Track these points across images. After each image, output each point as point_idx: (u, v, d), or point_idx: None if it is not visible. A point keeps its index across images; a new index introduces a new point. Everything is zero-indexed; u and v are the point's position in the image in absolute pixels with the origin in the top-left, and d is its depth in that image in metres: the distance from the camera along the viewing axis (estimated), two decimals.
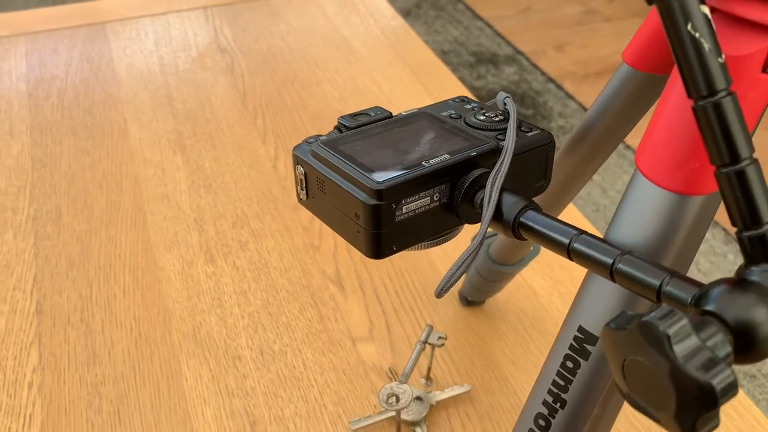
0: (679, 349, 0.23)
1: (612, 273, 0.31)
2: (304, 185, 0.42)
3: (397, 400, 0.56)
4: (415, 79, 1.07)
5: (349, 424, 0.60)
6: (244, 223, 0.81)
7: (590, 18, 2.58)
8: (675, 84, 0.30)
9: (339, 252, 0.78)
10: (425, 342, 0.60)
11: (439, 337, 0.60)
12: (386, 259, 0.77)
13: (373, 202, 0.36)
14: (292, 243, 0.79)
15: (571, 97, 2.13)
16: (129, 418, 0.61)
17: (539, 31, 2.53)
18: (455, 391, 0.63)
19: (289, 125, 0.97)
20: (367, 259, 0.77)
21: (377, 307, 0.72)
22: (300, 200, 0.44)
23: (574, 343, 0.34)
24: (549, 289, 0.74)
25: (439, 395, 0.62)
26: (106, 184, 0.86)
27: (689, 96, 0.26)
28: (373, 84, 1.06)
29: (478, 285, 0.66)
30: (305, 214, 0.82)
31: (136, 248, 0.78)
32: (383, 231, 0.38)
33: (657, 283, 0.29)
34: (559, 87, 2.19)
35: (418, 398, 0.61)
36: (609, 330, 0.26)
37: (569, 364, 0.35)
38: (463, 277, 0.71)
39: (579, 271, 0.76)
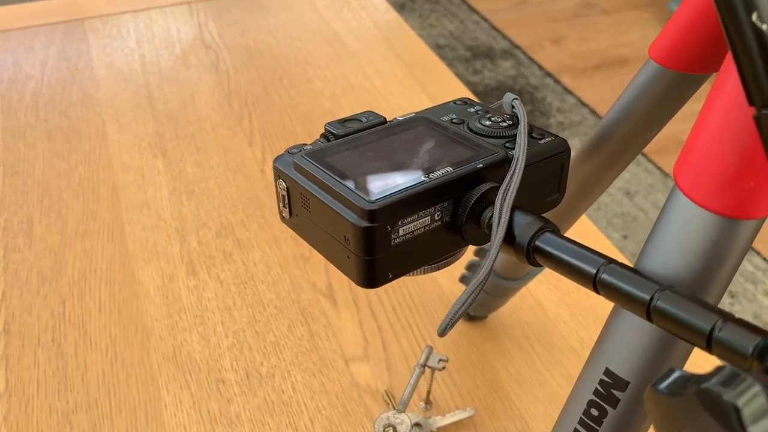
0: (754, 427, 0.18)
1: (649, 312, 0.26)
2: (286, 202, 0.37)
3: (394, 431, 0.51)
4: (409, 75, 1.02)
5: None
6: (228, 232, 0.76)
7: (588, 11, 2.53)
8: (725, 86, 0.25)
9: (330, 264, 0.72)
10: (425, 365, 0.55)
11: (440, 360, 0.55)
12: None
13: (365, 224, 0.31)
14: (281, 254, 0.74)
15: (569, 91, 2.08)
16: None
17: (536, 24, 2.47)
18: (457, 416, 0.58)
19: (278, 126, 0.92)
20: None
21: (372, 323, 0.67)
22: (283, 218, 0.39)
23: (600, 388, 0.29)
24: (556, 301, 0.69)
25: (440, 421, 0.57)
26: (82, 192, 0.81)
27: (751, 103, 0.21)
28: (366, 80, 1.01)
29: (481, 300, 0.61)
30: None
31: (113, 261, 0.73)
32: (377, 257, 0.33)
33: (707, 327, 0.24)
34: (557, 81, 2.14)
35: (417, 425, 0.57)
36: (657, 394, 0.21)
37: (594, 412, 0.30)
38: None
39: None
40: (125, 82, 1.00)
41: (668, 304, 0.25)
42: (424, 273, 0.36)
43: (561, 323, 0.67)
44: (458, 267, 0.70)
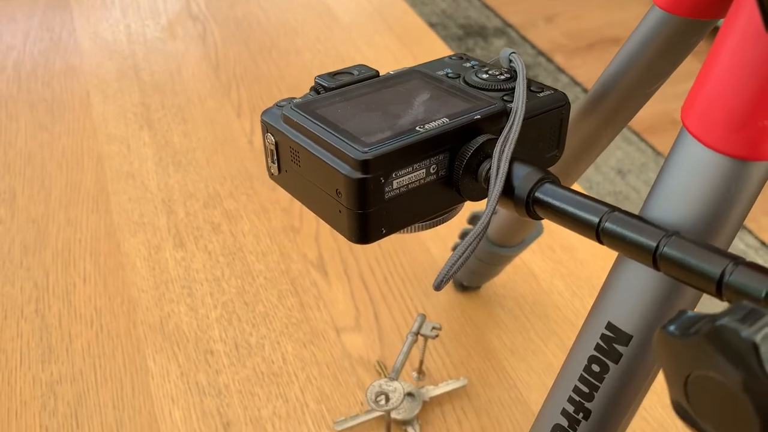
0: None
1: (656, 259, 0.25)
2: (275, 157, 0.36)
3: (387, 399, 0.50)
4: (402, 48, 1.00)
5: (333, 425, 0.54)
6: (216, 203, 0.74)
7: None
8: (736, 23, 0.23)
9: (321, 234, 0.71)
10: (417, 333, 0.54)
11: (433, 328, 0.54)
12: None
13: (358, 175, 0.30)
14: (270, 225, 0.72)
15: (562, 70, 2.07)
16: (88, 420, 0.55)
17: (529, 2, 2.45)
18: (450, 385, 0.57)
19: (267, 97, 0.90)
20: None
21: (364, 294, 0.65)
22: (271, 175, 0.37)
23: (602, 343, 0.28)
24: (550, 272, 0.68)
25: (433, 391, 0.56)
26: (65, 163, 0.79)
27: None
28: (358, 53, 0.99)
29: (475, 269, 0.60)
30: (284, 194, 0.76)
31: (98, 232, 0.71)
32: (370, 210, 0.31)
33: (717, 272, 0.23)
34: (549, 60, 2.12)
35: (410, 394, 0.56)
36: (667, 336, 0.20)
37: (595, 368, 0.29)
38: None
39: (583, 252, 0.70)
40: (110, 53, 0.98)
41: (676, 250, 0.24)
42: (418, 230, 0.35)
43: (555, 294, 0.66)
44: (452, 236, 0.69)
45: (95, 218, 0.72)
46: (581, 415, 0.30)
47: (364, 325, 0.62)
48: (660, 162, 1.77)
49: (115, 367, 0.59)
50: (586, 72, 2.08)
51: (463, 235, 0.61)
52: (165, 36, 1.02)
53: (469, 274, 0.62)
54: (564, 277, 0.67)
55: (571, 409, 0.30)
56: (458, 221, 0.69)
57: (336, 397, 0.57)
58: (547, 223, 0.70)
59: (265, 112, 0.36)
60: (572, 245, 0.71)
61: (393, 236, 0.70)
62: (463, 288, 0.65)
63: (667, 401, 0.56)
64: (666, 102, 2.24)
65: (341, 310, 0.64)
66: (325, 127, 0.32)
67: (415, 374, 0.58)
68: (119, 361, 0.59)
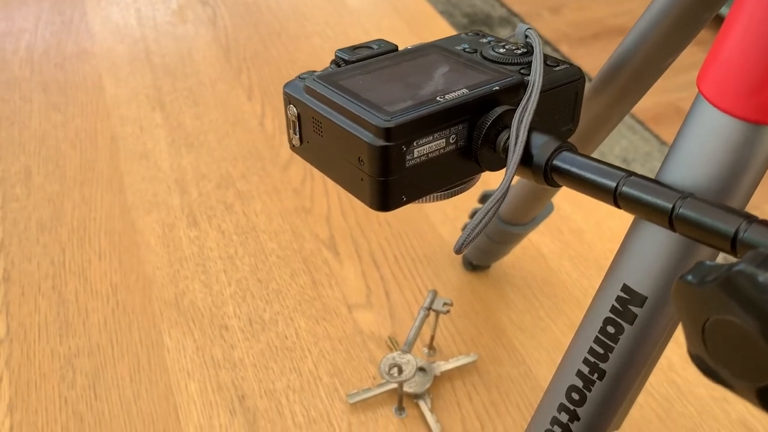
0: None
1: (672, 220, 0.25)
2: (297, 128, 0.37)
3: (400, 371, 0.51)
4: (410, 33, 1.01)
5: (347, 398, 0.55)
6: (229, 184, 0.75)
7: None
8: None
9: (333, 215, 0.72)
10: (429, 308, 0.55)
11: (444, 303, 0.55)
12: (383, 222, 0.72)
13: (381, 143, 0.31)
14: (282, 205, 0.73)
15: (567, 61, 2.07)
16: (106, 392, 0.56)
17: None
18: (461, 361, 0.58)
19: (277, 81, 0.91)
20: (363, 223, 0.72)
21: (375, 272, 0.66)
22: (293, 147, 0.38)
23: (617, 305, 0.29)
24: (558, 252, 0.69)
25: (444, 366, 0.57)
26: (79, 143, 0.80)
27: None
28: (366, 37, 0.99)
29: (485, 247, 0.61)
30: (296, 175, 0.77)
31: (113, 211, 0.72)
32: (391, 178, 0.32)
33: (732, 230, 0.24)
34: (555, 50, 2.13)
35: (421, 369, 0.57)
36: (685, 285, 0.21)
37: (610, 330, 0.30)
38: None
39: (591, 234, 0.71)
40: (121, 36, 0.98)
41: (691, 211, 0.25)
42: (437, 200, 0.36)
43: (564, 274, 0.67)
44: (461, 217, 0.71)
45: (109, 197, 0.73)
46: (596, 375, 0.31)
47: (375, 302, 0.64)
48: (664, 151, 1.78)
49: (131, 342, 0.60)
50: (591, 62, 2.08)
51: (473, 214, 0.62)
52: (175, 20, 1.02)
53: (479, 253, 0.63)
54: (572, 258, 0.68)
55: (586, 370, 0.31)
56: (469, 201, 0.70)
57: (348, 371, 0.58)
58: (555, 204, 0.71)
59: (287, 85, 0.37)
60: (580, 228, 0.72)
61: (403, 217, 0.72)
62: (473, 267, 0.66)
63: (674, 377, 0.58)
64: (671, 92, 2.24)
65: (352, 288, 0.65)
66: (347, 97, 0.33)
67: (426, 350, 0.59)
68: (135, 335, 0.60)
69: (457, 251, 0.31)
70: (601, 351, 0.30)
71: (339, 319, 0.62)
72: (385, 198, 0.33)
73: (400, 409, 0.55)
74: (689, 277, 0.21)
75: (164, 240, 0.69)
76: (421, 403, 0.55)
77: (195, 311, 0.62)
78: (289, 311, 0.63)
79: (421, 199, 0.35)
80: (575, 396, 0.31)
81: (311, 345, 0.60)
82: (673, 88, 2.17)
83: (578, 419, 0.31)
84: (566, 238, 0.70)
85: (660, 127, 1.94)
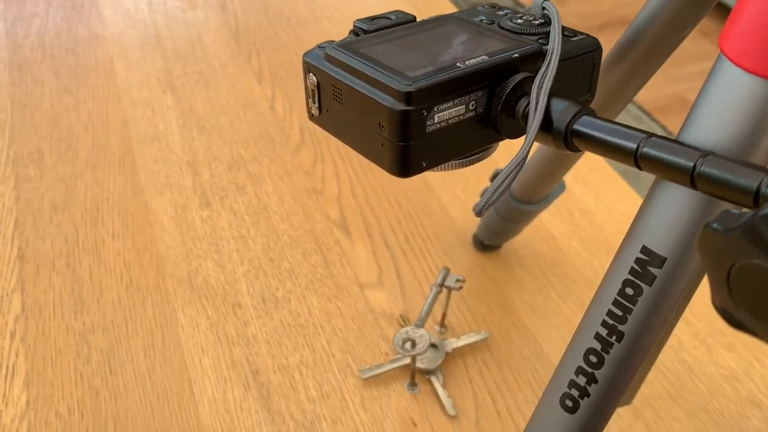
0: None
1: (693, 178, 0.26)
2: (316, 97, 0.37)
3: (413, 345, 0.51)
4: (419, 17, 1.01)
5: (359, 373, 0.56)
6: (240, 166, 0.76)
7: None
8: None
9: (343, 196, 0.73)
10: (442, 285, 0.55)
11: (457, 280, 0.55)
12: (394, 203, 0.73)
13: (401, 107, 0.31)
14: (293, 187, 0.73)
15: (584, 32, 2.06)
16: (120, 367, 0.56)
17: None
18: (472, 338, 0.58)
19: (287, 65, 0.91)
20: (374, 203, 0.72)
21: (386, 252, 0.67)
22: (311, 117, 0.38)
23: (636, 267, 0.30)
24: (569, 234, 0.69)
25: (455, 343, 0.58)
26: (91, 126, 0.80)
27: None
28: None
29: (496, 227, 0.61)
30: (306, 157, 0.77)
31: (125, 191, 0.72)
32: (412, 143, 0.32)
33: (754, 184, 0.24)
34: None
35: (433, 345, 0.57)
36: (711, 233, 0.21)
37: (629, 291, 0.30)
38: (478, 221, 0.67)
39: (600, 216, 0.72)
40: (132, 21, 0.99)
41: (713, 168, 0.25)
42: (455, 167, 0.36)
43: (574, 254, 0.67)
44: (472, 199, 0.71)
45: (122, 178, 0.74)
46: (614, 337, 0.31)
47: (386, 281, 0.64)
48: None
49: (145, 318, 0.60)
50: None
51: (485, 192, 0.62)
52: (185, 5, 1.03)
53: (490, 232, 0.63)
54: (582, 239, 0.69)
55: (604, 332, 0.31)
56: (480, 182, 0.71)
57: (361, 348, 0.58)
58: (567, 185, 0.71)
59: (307, 54, 0.37)
60: (590, 209, 0.72)
61: (413, 198, 0.72)
62: (484, 247, 0.66)
63: (684, 355, 0.58)
64: (676, 83, 2.24)
65: (364, 267, 0.65)
66: (368, 63, 0.33)
67: (437, 327, 0.60)
68: (149, 312, 0.61)
69: (478, 213, 0.31)
70: (619, 313, 0.31)
71: (351, 298, 0.62)
72: (405, 163, 0.33)
73: (413, 384, 0.55)
74: (714, 225, 0.21)
75: (177, 220, 0.69)
76: (433, 379, 0.55)
77: (208, 289, 0.63)
78: (301, 290, 0.63)
79: (440, 167, 0.35)
80: (593, 359, 0.32)
81: (324, 322, 0.60)
82: (679, 78, 2.16)
83: (596, 382, 0.32)
84: (576, 219, 0.71)
85: (666, 118, 1.94)
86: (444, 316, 0.59)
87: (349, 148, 0.81)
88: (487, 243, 0.65)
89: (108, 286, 0.63)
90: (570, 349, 0.33)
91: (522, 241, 0.68)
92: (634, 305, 0.30)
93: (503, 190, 0.31)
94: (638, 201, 0.74)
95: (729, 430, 0.54)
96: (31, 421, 0.53)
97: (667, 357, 0.58)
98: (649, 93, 2.06)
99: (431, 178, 0.75)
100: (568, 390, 0.33)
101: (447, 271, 0.56)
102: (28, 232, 0.68)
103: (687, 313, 0.62)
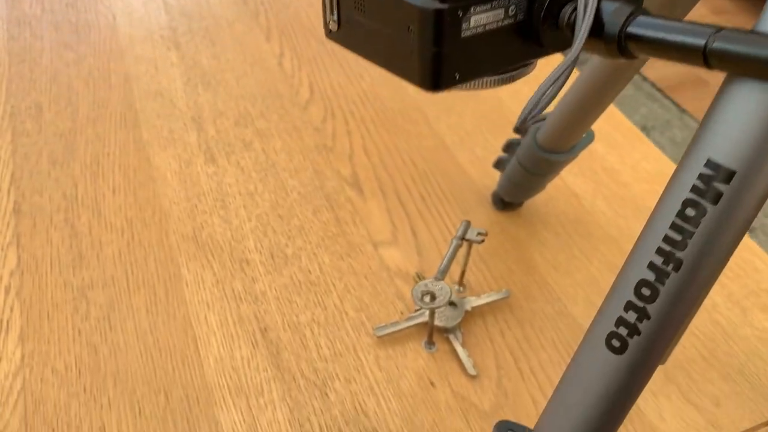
0: None
1: None
2: (335, 8, 0.34)
3: (433, 298, 0.48)
4: None
5: (374, 331, 0.52)
6: (247, 122, 0.72)
7: None
8: None
9: (355, 154, 0.69)
10: (462, 238, 0.52)
11: (479, 233, 0.52)
12: (408, 161, 0.69)
13: (435, 5, 0.28)
14: (303, 143, 0.70)
15: None
16: (121, 324, 0.53)
17: None
18: (493, 296, 0.55)
19: (295, 22, 0.87)
20: (387, 161, 0.69)
21: (400, 210, 0.64)
22: (329, 34, 0.35)
23: (699, 183, 0.26)
24: (592, 192, 0.66)
25: (475, 301, 0.55)
26: (92, 81, 0.77)
27: None
28: None
29: (519, 180, 0.58)
30: (316, 114, 0.74)
31: (127, 147, 0.69)
32: (444, 50, 0.29)
33: None
34: None
35: (452, 304, 0.54)
36: None
37: (690, 213, 0.27)
38: (497, 180, 0.63)
39: (626, 175, 0.68)
40: None
41: None
42: (490, 85, 0.33)
43: (598, 213, 0.64)
44: (490, 157, 0.67)
45: (123, 133, 0.70)
46: (671, 266, 0.28)
47: (401, 239, 0.61)
48: (684, 119, 1.74)
49: (147, 274, 0.57)
50: None
51: (507, 146, 0.59)
52: None
53: (513, 187, 0.60)
54: (606, 198, 0.65)
55: (659, 261, 0.28)
56: (499, 143, 0.67)
57: (375, 306, 0.55)
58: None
59: None
60: (614, 168, 0.68)
61: (428, 158, 0.69)
62: (504, 206, 0.63)
63: (717, 317, 0.55)
64: None
65: (377, 225, 0.62)
66: None
67: (456, 286, 0.57)
68: (152, 268, 0.58)
69: (518, 127, 0.28)
70: (678, 238, 0.27)
71: (364, 256, 0.59)
72: (437, 73, 0.30)
73: (430, 343, 0.52)
74: None
75: (181, 175, 0.66)
76: (452, 338, 0.52)
77: (214, 245, 0.60)
78: (312, 247, 0.60)
79: (473, 83, 0.32)
80: (646, 292, 0.29)
81: (336, 280, 0.57)
82: None
83: (648, 318, 0.29)
84: (600, 178, 0.67)
85: (680, 96, 1.90)
86: (463, 273, 0.56)
87: (361, 106, 0.78)
88: (507, 200, 0.62)
89: (108, 241, 0.60)
90: (618, 283, 0.30)
91: (543, 200, 0.65)
92: (696, 228, 0.27)
93: (549, 98, 0.27)
94: (666, 161, 0.70)
95: (766, 392, 0.50)
96: (26, 377, 0.50)
97: (700, 320, 0.55)
98: (663, 71, 2.01)
99: (448, 138, 0.71)
100: (615, 329, 0.30)
101: (468, 224, 0.53)
102: (25, 186, 0.64)
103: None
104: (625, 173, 0.68)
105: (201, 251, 0.59)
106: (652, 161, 0.70)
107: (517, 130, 0.56)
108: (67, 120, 0.72)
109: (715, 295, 0.57)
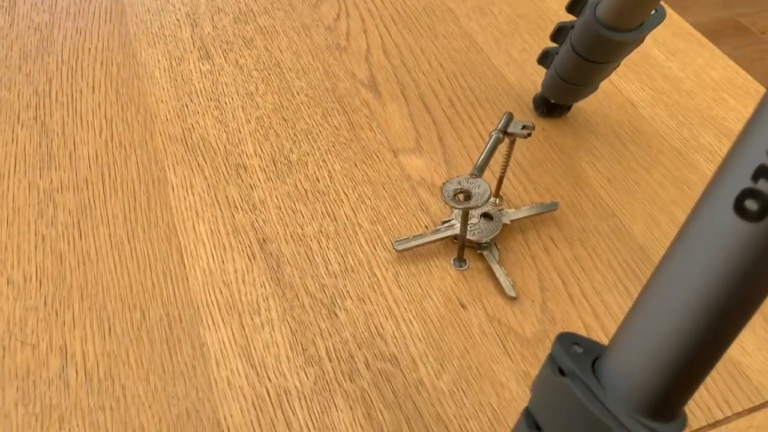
0: None
1: None
2: None
3: (468, 197, 0.39)
4: None
5: (393, 245, 0.44)
6: (249, 18, 0.63)
7: None
8: None
9: (373, 54, 0.60)
10: (504, 132, 0.43)
11: (524, 126, 0.43)
12: (435, 64, 0.60)
13: None
14: (312, 42, 0.61)
15: None
16: (93, 230, 0.45)
17: None
18: (536, 209, 0.46)
19: None
20: (410, 63, 0.59)
21: (425, 116, 0.54)
22: None
23: None
24: (650, 101, 0.56)
25: (515, 214, 0.46)
26: None
27: None
28: None
29: (571, 71, 0.48)
30: (328, 12, 0.64)
31: (111, 42, 0.60)
32: None
33: None
34: None
35: (487, 216, 0.45)
36: None
37: None
38: (538, 84, 0.54)
39: (689, 83, 0.58)
40: None
41: None
42: None
43: (659, 122, 0.54)
44: (530, 60, 0.58)
45: (107, 28, 0.61)
46: None
47: (426, 147, 0.52)
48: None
49: (127, 177, 0.48)
50: None
51: (556, 32, 0.49)
52: None
53: (560, 85, 0.50)
54: (668, 106, 0.56)
55: None
56: (540, 43, 0.58)
57: (394, 219, 0.46)
58: (645, 52, 0.58)
59: None
60: (675, 76, 0.59)
61: (458, 59, 0.59)
62: (548, 110, 0.53)
63: None
64: (730, 7, 2.04)
65: (398, 131, 0.53)
66: None
67: (492, 198, 0.47)
68: (133, 170, 0.49)
69: None
70: None
71: (382, 164, 0.50)
72: None
73: (461, 259, 0.43)
74: None
75: (171, 73, 0.57)
76: (487, 254, 0.43)
77: (206, 148, 0.51)
78: (321, 153, 0.51)
79: None
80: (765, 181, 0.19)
81: (348, 189, 0.48)
82: (733, 3, 1.99)
83: None
84: (660, 85, 0.57)
85: (719, 43, 1.79)
86: (500, 181, 0.47)
87: (379, 4, 0.67)
88: (554, 101, 0.52)
89: (83, 141, 0.51)
90: (731, 170, 0.21)
91: (592, 107, 0.55)
92: None
93: None
94: (734, 67, 0.60)
95: None
96: None
97: None
98: (701, 16, 1.89)
99: (481, 38, 0.62)
100: (751, 185, 0.20)
101: (510, 116, 0.43)
102: None
103: None
104: (687, 81, 0.58)
105: (191, 154, 0.50)
106: (719, 68, 0.60)
107: (570, 7, 0.46)
108: (44, 13, 0.63)
109: None
